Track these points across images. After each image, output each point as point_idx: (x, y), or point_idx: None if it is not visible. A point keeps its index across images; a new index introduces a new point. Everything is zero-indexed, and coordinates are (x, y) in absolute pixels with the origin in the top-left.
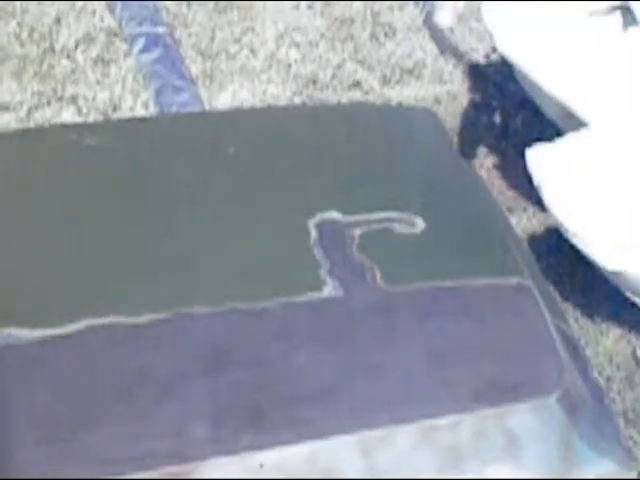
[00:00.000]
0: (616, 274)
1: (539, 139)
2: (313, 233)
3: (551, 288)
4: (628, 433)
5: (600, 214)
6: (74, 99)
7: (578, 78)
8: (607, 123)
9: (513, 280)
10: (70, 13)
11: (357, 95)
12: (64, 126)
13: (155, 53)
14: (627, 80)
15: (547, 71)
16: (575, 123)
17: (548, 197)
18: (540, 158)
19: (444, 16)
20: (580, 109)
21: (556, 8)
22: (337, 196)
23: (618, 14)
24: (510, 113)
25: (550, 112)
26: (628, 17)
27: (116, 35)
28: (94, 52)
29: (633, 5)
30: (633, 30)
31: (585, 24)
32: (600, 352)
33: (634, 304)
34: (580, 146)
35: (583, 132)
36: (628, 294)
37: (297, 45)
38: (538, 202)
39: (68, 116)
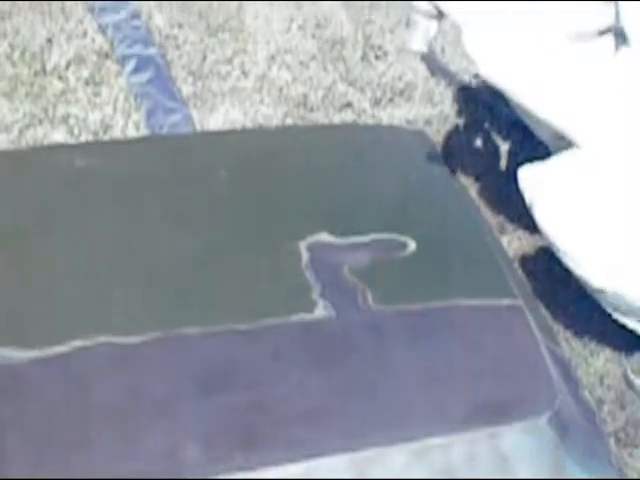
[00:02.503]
0: (606, 295)
1: (531, 160)
2: (304, 255)
3: (542, 309)
4: (619, 454)
5: (591, 234)
6: (65, 119)
7: (566, 100)
8: (597, 144)
9: (504, 301)
10: (61, 34)
11: (348, 116)
12: (55, 147)
13: (146, 74)
14: (616, 100)
15: (534, 95)
16: (567, 145)
17: (540, 216)
18: (532, 178)
19: (416, 40)
20: (570, 131)
21: (539, 33)
22: (328, 218)
23: (607, 37)
24: (501, 134)
25: (541, 134)
26: (619, 39)
27: (107, 56)
28: (85, 73)
29: (626, 26)
30: (621, 52)
31: (569, 48)
32: (591, 373)
33: (624, 325)
34: (572, 166)
35: (575, 152)
36: (617, 315)
37: (288, 66)
38: (529, 223)
39: (59, 136)
